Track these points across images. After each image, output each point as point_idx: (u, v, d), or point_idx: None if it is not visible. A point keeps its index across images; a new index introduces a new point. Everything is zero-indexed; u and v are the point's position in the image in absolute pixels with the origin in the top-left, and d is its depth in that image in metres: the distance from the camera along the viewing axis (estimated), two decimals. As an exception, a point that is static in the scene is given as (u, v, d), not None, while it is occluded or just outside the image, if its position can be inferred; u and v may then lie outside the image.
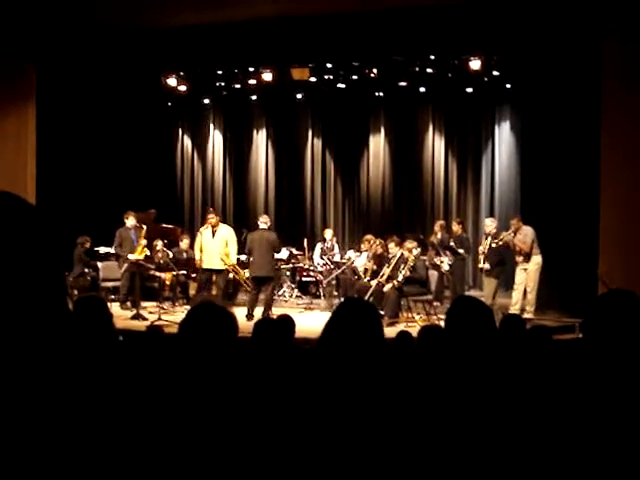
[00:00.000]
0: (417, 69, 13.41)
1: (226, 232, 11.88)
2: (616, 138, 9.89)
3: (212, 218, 11.75)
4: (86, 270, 12.80)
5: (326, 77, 14.06)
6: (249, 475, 2.14)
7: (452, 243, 12.18)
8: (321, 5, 11.33)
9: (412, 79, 14.24)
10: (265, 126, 17.16)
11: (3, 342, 1.15)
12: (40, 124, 12.12)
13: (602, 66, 10.04)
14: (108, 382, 1.46)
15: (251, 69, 13.92)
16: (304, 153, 16.99)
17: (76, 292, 11.88)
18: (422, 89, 14.93)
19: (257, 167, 17.27)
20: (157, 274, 12.37)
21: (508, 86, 14.12)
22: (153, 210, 14.13)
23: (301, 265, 14.23)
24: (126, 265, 11.96)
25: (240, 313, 10.41)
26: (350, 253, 13.45)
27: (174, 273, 12.13)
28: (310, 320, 10.89)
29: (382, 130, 16.37)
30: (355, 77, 14.01)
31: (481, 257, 11.41)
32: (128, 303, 12.12)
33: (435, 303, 11.45)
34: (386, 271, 11.28)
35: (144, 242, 12.06)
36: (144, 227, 12.14)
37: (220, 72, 14.43)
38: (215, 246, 11.64)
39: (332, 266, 13.25)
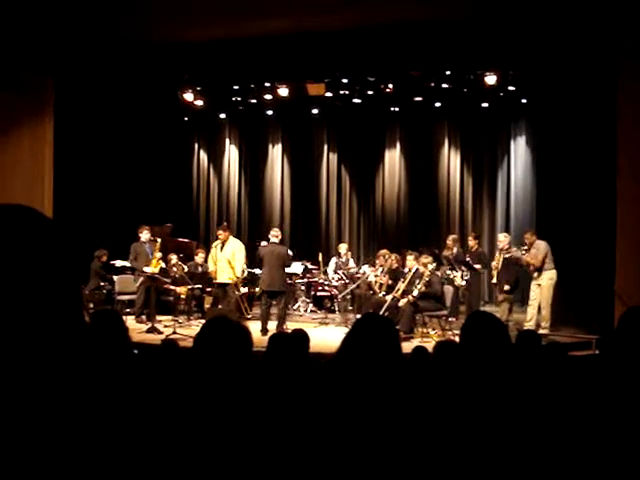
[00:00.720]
0: (433, 84, 13.41)
1: (235, 246, 11.91)
2: (632, 154, 9.85)
3: (220, 235, 11.84)
4: (102, 283, 12.87)
5: (342, 92, 14.08)
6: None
7: (468, 258, 12.17)
8: (337, 20, 11.38)
9: (428, 94, 14.24)
10: (281, 141, 17.22)
11: (20, 355, 1.16)
12: (58, 138, 12.20)
13: (618, 82, 10.02)
14: (123, 395, 1.46)
15: (267, 84, 13.97)
16: (319, 168, 17.02)
17: (92, 305, 11.93)
18: (438, 104, 14.94)
19: (272, 182, 17.31)
20: (172, 288, 12.40)
21: (524, 101, 14.10)
22: (169, 224, 14.19)
23: (316, 280, 14.22)
24: (141, 279, 12.00)
25: (255, 327, 10.42)
26: (365, 268, 13.43)
27: (189, 287, 12.16)
28: (325, 335, 10.88)
29: (397, 145, 16.38)
30: (371, 92, 14.02)
31: (494, 272, 11.42)
32: (143, 316, 12.15)
33: (450, 318, 11.41)
34: (401, 286, 11.25)
35: (159, 255, 12.10)
36: (159, 240, 12.18)
37: (236, 87, 14.48)
38: (223, 258, 11.70)
39: (347, 280, 13.24)
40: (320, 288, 14.17)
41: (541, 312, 10.99)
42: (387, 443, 2.22)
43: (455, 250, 12.90)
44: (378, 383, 2.36)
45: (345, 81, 13.70)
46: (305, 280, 14.28)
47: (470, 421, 2.51)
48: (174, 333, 10.57)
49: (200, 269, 12.81)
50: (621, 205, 9.99)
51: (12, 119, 11.55)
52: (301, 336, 5.53)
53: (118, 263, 13.14)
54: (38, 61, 11.61)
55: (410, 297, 10.97)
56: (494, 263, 11.40)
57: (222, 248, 11.77)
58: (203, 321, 6.71)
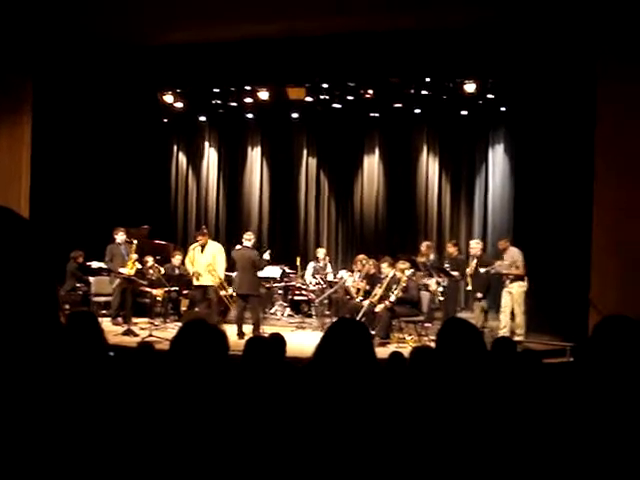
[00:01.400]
0: (412, 91, 13.48)
1: (215, 249, 11.94)
2: (610, 162, 9.93)
3: (200, 239, 11.88)
4: (78, 285, 12.78)
5: (322, 97, 14.10)
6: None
7: (447, 265, 12.22)
8: (318, 26, 11.41)
9: (407, 101, 14.31)
10: (260, 144, 17.20)
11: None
12: (35, 138, 12.12)
13: (597, 90, 10.11)
14: (98, 397, 1.45)
15: (247, 88, 13.98)
16: (298, 172, 17.03)
17: (67, 307, 11.84)
18: (417, 111, 15.03)
19: (251, 185, 17.28)
20: (149, 290, 12.33)
21: (503, 109, 14.20)
22: (147, 226, 14.12)
23: (293, 284, 14.21)
24: (118, 280, 11.94)
25: (231, 331, 10.39)
26: (342, 273, 13.44)
27: (166, 289, 12.11)
28: (302, 339, 10.88)
29: (377, 151, 16.42)
30: (351, 97, 14.06)
31: (468, 279, 11.49)
32: (119, 319, 12.08)
33: (426, 324, 11.45)
34: (378, 291, 11.28)
35: (135, 257, 12.04)
36: (134, 242, 12.13)
37: (216, 90, 14.46)
38: (204, 262, 11.71)
39: (324, 285, 13.25)
40: (297, 292, 14.16)
41: (515, 319, 11.05)
42: (361, 446, 2.23)
43: (432, 257, 12.95)
44: (351, 386, 2.36)
45: (325, 86, 13.74)
46: (283, 284, 14.26)
47: (445, 426, 2.52)
48: (150, 336, 10.50)
49: (177, 271, 12.76)
50: (597, 214, 10.08)
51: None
52: (278, 340, 5.53)
53: (94, 264, 13.05)
54: (17, 61, 11.53)
55: (387, 302, 11.00)
56: (468, 270, 11.47)
57: (202, 251, 11.80)
58: (180, 324, 6.67)
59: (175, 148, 17.45)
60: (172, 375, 2.41)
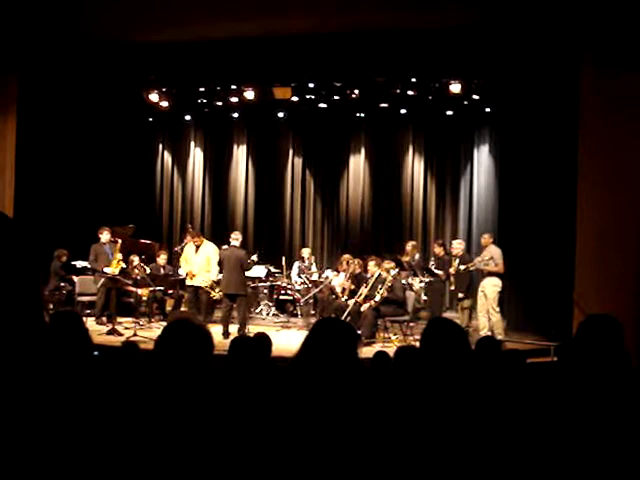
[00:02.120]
0: (398, 91, 13.47)
1: (209, 250, 11.94)
2: (593, 162, 9.99)
3: (197, 241, 11.97)
4: (62, 284, 12.71)
5: (308, 97, 14.08)
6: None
7: (432, 264, 12.25)
8: (304, 25, 11.41)
9: (393, 101, 14.32)
10: (246, 144, 17.15)
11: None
12: (20, 137, 12.06)
13: (580, 91, 10.17)
14: (83, 396, 1.45)
15: (233, 87, 13.93)
16: (284, 172, 17.00)
17: (51, 306, 11.79)
18: (403, 111, 15.07)
19: (237, 185, 17.24)
20: (133, 289, 12.29)
21: (488, 110, 14.24)
22: (132, 225, 14.07)
23: (279, 283, 14.20)
24: (102, 280, 11.89)
25: (216, 330, 10.37)
26: (328, 272, 13.45)
27: (151, 289, 12.08)
28: (287, 338, 10.90)
29: (362, 150, 16.43)
30: (337, 97, 14.04)
31: (452, 279, 11.53)
32: (104, 318, 12.05)
33: (411, 324, 11.48)
34: (364, 291, 11.29)
35: (119, 256, 12.00)
36: (119, 241, 12.09)
37: (202, 89, 14.40)
38: (198, 263, 11.73)
39: (310, 285, 13.25)
40: (283, 292, 14.17)
41: (491, 319, 11.04)
42: (346, 445, 2.23)
43: (417, 256, 12.98)
44: (335, 386, 2.37)
45: (311, 85, 13.72)
46: (268, 284, 14.25)
47: (430, 425, 2.53)
48: (135, 335, 10.48)
49: (162, 271, 12.72)
50: (581, 213, 10.13)
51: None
52: (263, 340, 5.52)
53: (79, 264, 12.99)
54: (1, 60, 11.45)
55: (372, 302, 11.02)
56: (451, 270, 11.50)
57: (196, 251, 11.83)
58: (164, 323, 6.66)
59: (160, 147, 17.38)
60: (157, 374, 2.40)
